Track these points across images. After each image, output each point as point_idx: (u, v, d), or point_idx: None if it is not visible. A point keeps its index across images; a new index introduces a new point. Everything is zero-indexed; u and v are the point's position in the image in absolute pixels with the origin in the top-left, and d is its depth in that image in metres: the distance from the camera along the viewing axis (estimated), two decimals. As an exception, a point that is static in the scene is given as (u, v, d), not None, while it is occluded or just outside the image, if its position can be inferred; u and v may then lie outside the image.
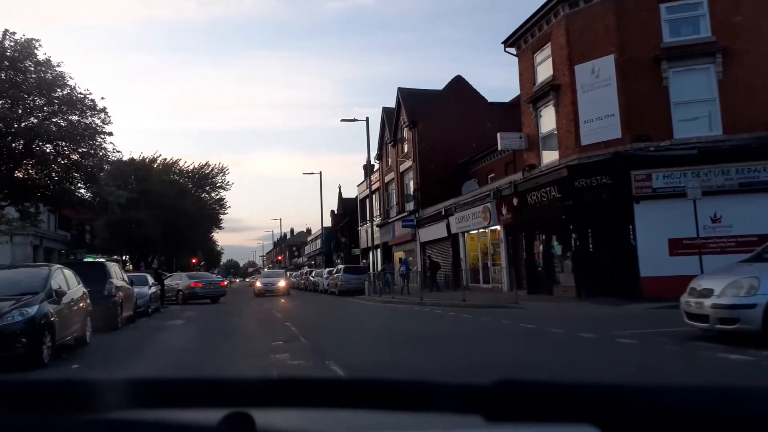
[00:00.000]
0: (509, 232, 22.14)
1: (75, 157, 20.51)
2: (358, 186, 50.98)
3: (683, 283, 9.09)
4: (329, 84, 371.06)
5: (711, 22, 16.41)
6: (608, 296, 15.99)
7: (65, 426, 0.78)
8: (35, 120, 19.82)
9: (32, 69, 19.33)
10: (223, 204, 60.17)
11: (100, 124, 21.13)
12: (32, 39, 19.00)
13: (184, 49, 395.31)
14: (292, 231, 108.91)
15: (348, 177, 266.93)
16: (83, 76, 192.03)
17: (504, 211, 21.57)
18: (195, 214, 48.50)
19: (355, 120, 31.42)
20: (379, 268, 29.45)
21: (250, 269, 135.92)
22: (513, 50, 21.33)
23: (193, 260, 69.30)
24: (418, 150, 32.94)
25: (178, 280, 27.15)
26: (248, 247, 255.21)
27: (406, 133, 35.22)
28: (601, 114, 17.21)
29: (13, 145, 19.15)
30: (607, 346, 8.18)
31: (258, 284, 33.50)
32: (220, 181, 58.20)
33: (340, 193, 62.22)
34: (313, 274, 41.06)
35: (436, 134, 32.18)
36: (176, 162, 55.42)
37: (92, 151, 20.56)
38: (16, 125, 18.87)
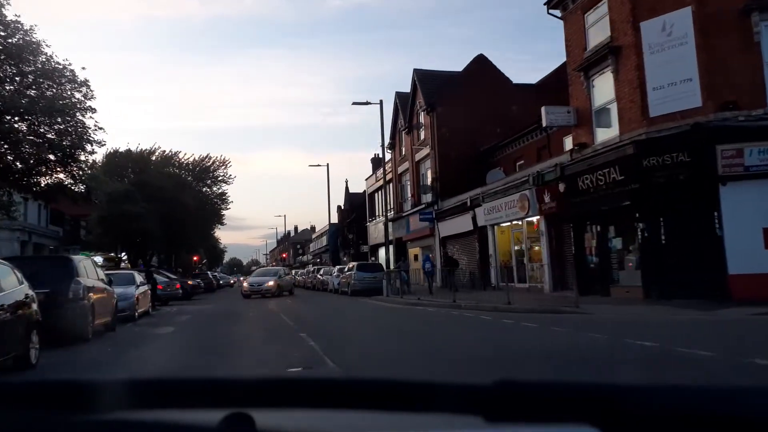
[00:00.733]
0: (552, 223, 19.23)
1: (51, 136, 17.70)
2: (366, 180, 48.12)
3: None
4: (331, 82, 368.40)
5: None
6: (685, 298, 13.15)
7: (65, 426, 0.78)
8: (6, 93, 17.02)
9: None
10: (225, 199, 57.58)
11: (82, 98, 18.33)
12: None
13: (184, 48, 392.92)
14: (296, 229, 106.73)
15: (353, 174, 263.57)
16: (82, 73, 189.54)
17: (546, 199, 18.66)
18: (195, 208, 45.77)
19: (368, 103, 28.54)
20: (393, 266, 26.54)
21: (253, 267, 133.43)
22: (557, 12, 18.39)
23: (195, 258, 66.59)
24: (437, 136, 30.03)
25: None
26: (252, 246, 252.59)
27: (422, 117, 32.31)
28: (674, 79, 14.31)
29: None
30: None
31: (245, 285, 29.99)
32: (221, 174, 55.58)
33: (346, 188, 59.39)
34: (321, 272, 38.10)
35: (456, 119, 29.30)
36: (176, 154, 52.72)
37: (70, 129, 17.73)
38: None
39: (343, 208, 58.77)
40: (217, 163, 55.23)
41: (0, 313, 6.61)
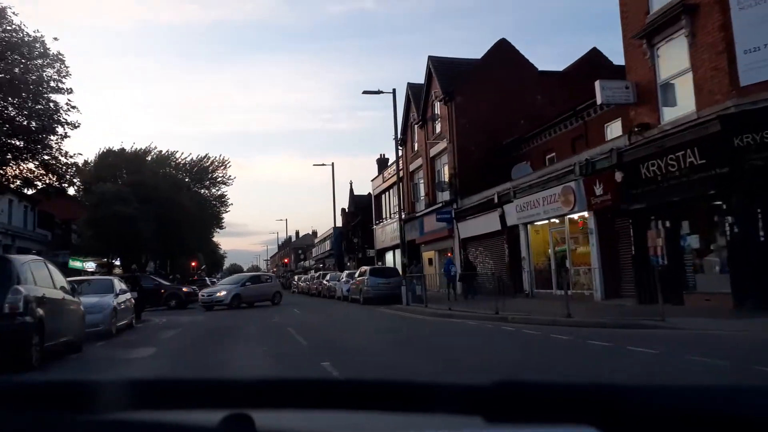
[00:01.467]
0: (603, 220, 16.52)
1: (18, 117, 15.02)
2: (372, 181, 45.42)
3: None
4: (331, 87, 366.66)
5: None
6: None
7: (65, 426, 0.78)
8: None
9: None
10: (224, 201, 54.96)
11: (55, 75, 15.65)
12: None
13: (185, 53, 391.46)
14: (297, 234, 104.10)
15: (355, 179, 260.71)
16: (83, 76, 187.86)
17: (598, 191, 15.94)
18: (193, 210, 43.09)
19: (380, 92, 25.87)
20: (408, 272, 23.72)
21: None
22: (610, -28, 15.75)
23: (193, 263, 63.85)
24: (456, 128, 27.34)
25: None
26: (253, 252, 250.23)
27: (438, 109, 29.61)
28: (772, 38, 11.65)
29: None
30: None
31: (201, 295, 25.87)
32: (220, 175, 52.97)
33: (351, 190, 56.74)
34: (327, 277, 35.31)
35: (476, 109, 26.64)
36: (172, 154, 50.07)
37: (41, 110, 15.06)
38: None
39: (347, 210, 56.09)
40: (216, 163, 52.67)
41: None
